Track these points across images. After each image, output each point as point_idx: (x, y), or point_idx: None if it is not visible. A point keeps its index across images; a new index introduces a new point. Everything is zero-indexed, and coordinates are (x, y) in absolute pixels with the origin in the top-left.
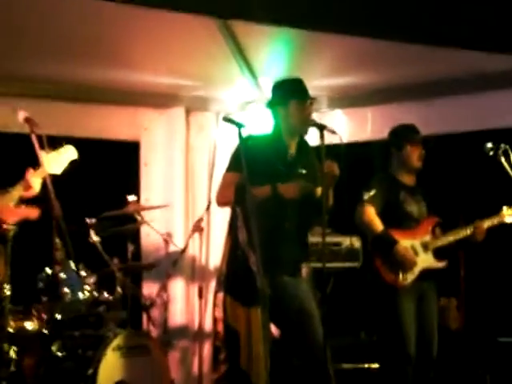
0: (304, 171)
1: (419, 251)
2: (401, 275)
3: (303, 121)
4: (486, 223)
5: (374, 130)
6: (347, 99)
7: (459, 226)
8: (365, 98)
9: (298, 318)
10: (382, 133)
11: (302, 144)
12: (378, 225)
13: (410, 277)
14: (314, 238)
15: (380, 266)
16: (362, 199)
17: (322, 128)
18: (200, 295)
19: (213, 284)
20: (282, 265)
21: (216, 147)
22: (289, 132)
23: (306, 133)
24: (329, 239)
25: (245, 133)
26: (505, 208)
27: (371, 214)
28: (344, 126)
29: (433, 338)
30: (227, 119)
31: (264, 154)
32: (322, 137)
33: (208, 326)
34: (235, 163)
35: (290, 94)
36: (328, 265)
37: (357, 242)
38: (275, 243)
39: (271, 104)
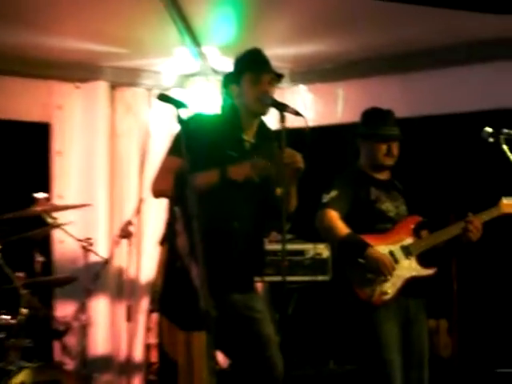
0: (260, 159)
1: (400, 258)
2: (378, 288)
3: (258, 98)
4: (482, 217)
5: (347, 111)
6: (313, 73)
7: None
8: (335, 72)
9: (253, 345)
10: (357, 115)
11: (263, 129)
12: (342, 228)
13: (391, 290)
14: (271, 246)
15: (351, 279)
16: (322, 203)
17: (282, 108)
18: (128, 317)
19: (145, 303)
20: (230, 278)
21: (149, 132)
22: (245, 113)
23: (263, 113)
24: (290, 247)
25: (185, 114)
26: (504, 200)
27: (333, 218)
28: (309, 106)
29: (423, 370)
30: (163, 97)
31: (213, 139)
32: (282, 119)
33: (138, 355)
34: (178, 146)
35: (244, 66)
36: (289, 278)
37: (325, 251)
38: (222, 250)
39: (225, 82)
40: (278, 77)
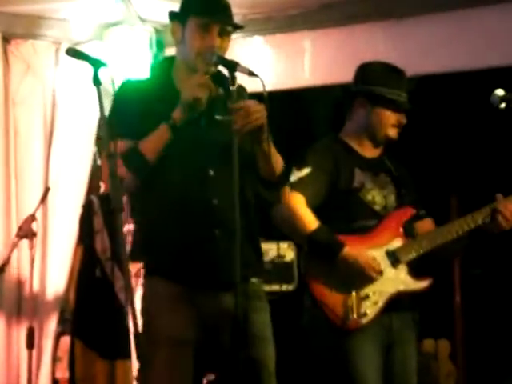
0: (225, 119)
1: (385, 266)
2: (354, 307)
3: (201, 54)
4: None
5: (317, 71)
6: (272, 20)
7: (451, 218)
8: (301, 18)
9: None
10: (329, 75)
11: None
12: (311, 220)
13: (371, 310)
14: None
15: (320, 296)
16: (287, 182)
17: (231, 67)
18: (29, 343)
19: (53, 324)
20: (217, 275)
21: (56, 98)
22: (182, 67)
23: (205, 72)
24: None
25: (104, 75)
26: None
27: (299, 205)
28: (268, 64)
29: None
30: (74, 52)
31: (152, 109)
32: (232, 81)
33: None
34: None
35: (191, 6)
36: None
37: (289, 252)
38: (201, 237)
39: (170, 17)
40: (235, 28)
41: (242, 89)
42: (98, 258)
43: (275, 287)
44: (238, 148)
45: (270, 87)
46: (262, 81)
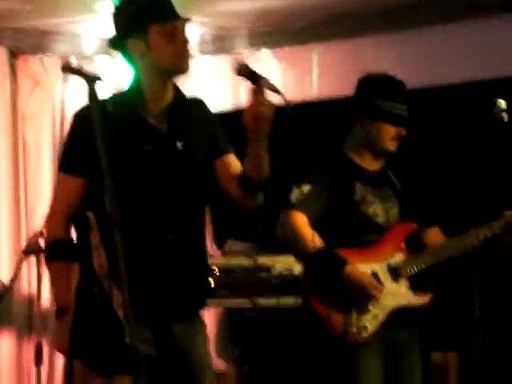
0: (182, 145)
1: (385, 281)
2: (355, 322)
3: (176, 52)
4: None
5: (324, 83)
6: (279, 32)
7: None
8: (309, 31)
9: None
10: (337, 88)
11: (179, 98)
12: (314, 239)
13: (371, 324)
14: (226, 260)
15: (320, 310)
16: (289, 201)
17: (256, 79)
18: (38, 359)
19: None
20: (170, 305)
21: (65, 113)
22: (152, 80)
23: (183, 70)
24: (251, 261)
25: (102, 90)
26: None
27: (301, 224)
28: (275, 77)
29: None
30: (68, 68)
31: (118, 127)
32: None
33: None
34: (72, 154)
35: (146, 16)
36: (250, 303)
37: (296, 266)
38: (155, 270)
39: (116, 41)
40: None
41: (200, 102)
42: (95, 275)
43: (283, 301)
44: (194, 172)
45: (277, 100)
46: (283, 96)
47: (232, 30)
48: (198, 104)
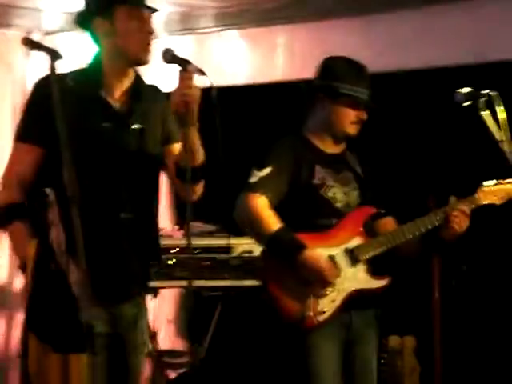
0: (139, 126)
1: (342, 265)
2: (311, 306)
3: (140, 43)
4: (468, 203)
5: (290, 65)
6: (246, 13)
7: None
8: (275, 12)
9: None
10: (303, 69)
11: (138, 84)
12: (273, 221)
13: (328, 308)
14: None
15: (277, 293)
16: (248, 183)
17: (184, 65)
18: None
19: (21, 315)
20: (119, 286)
21: (26, 88)
22: (114, 63)
23: (144, 62)
24: (212, 242)
25: (64, 66)
26: (485, 186)
27: (260, 206)
28: (243, 57)
29: None
30: (29, 42)
31: (77, 103)
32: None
33: None
34: (29, 123)
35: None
36: (211, 284)
37: (257, 247)
38: (106, 250)
39: (82, 18)
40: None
41: (157, 90)
42: (52, 251)
43: (244, 283)
44: (148, 154)
45: (243, 81)
46: (209, 79)
47: (198, 9)
48: (155, 91)
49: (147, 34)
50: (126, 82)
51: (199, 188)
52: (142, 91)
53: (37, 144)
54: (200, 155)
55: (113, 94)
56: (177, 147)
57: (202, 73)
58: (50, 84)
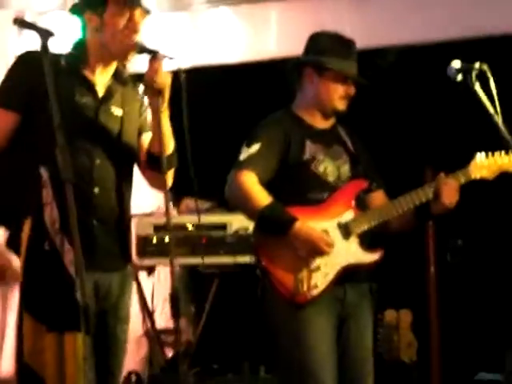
0: (119, 111)
1: (335, 238)
2: (304, 280)
3: (123, 40)
4: (459, 177)
5: (283, 42)
6: None
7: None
8: None
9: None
10: (295, 46)
11: (121, 70)
12: (262, 196)
13: (321, 282)
14: (183, 218)
15: (270, 268)
16: (237, 161)
17: (153, 54)
18: None
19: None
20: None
21: None
22: (97, 54)
23: (125, 59)
24: (208, 219)
25: (54, 45)
26: (477, 158)
27: (250, 182)
28: (235, 34)
29: (365, 380)
30: (21, 22)
31: (60, 80)
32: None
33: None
34: (7, 89)
35: None
36: (207, 260)
37: (252, 224)
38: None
39: (76, 8)
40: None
41: (139, 78)
42: (46, 230)
43: (240, 259)
44: (126, 140)
45: (236, 58)
46: (178, 62)
47: None
48: (134, 84)
49: (132, 33)
50: (109, 68)
51: (170, 176)
52: (123, 78)
53: (13, 110)
54: (168, 143)
55: (95, 75)
56: (148, 136)
57: (170, 58)
58: (43, 65)
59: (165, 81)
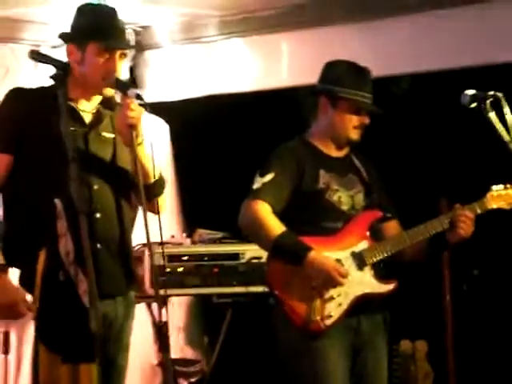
0: (111, 135)
1: (350, 268)
2: (318, 310)
3: (104, 76)
4: (475, 208)
5: (294, 71)
6: (248, 21)
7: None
8: (277, 19)
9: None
10: (306, 76)
11: (107, 101)
12: (276, 226)
13: (335, 312)
14: (196, 248)
15: (284, 297)
16: (252, 190)
17: (125, 88)
18: (6, 347)
19: (31, 328)
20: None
21: None
22: (79, 86)
23: (102, 93)
24: (221, 249)
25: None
26: (494, 190)
27: (263, 212)
28: (247, 64)
29: None
30: (36, 55)
31: (46, 112)
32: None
33: None
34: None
35: (92, 32)
36: (220, 290)
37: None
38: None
39: (64, 37)
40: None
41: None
42: (61, 261)
43: (252, 289)
44: (121, 162)
45: (248, 88)
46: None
47: (202, 18)
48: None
49: (110, 73)
50: (95, 96)
51: (162, 202)
52: (112, 103)
53: (3, 152)
54: (152, 172)
55: (79, 103)
56: None
57: (140, 98)
58: (58, 98)
59: (137, 115)
